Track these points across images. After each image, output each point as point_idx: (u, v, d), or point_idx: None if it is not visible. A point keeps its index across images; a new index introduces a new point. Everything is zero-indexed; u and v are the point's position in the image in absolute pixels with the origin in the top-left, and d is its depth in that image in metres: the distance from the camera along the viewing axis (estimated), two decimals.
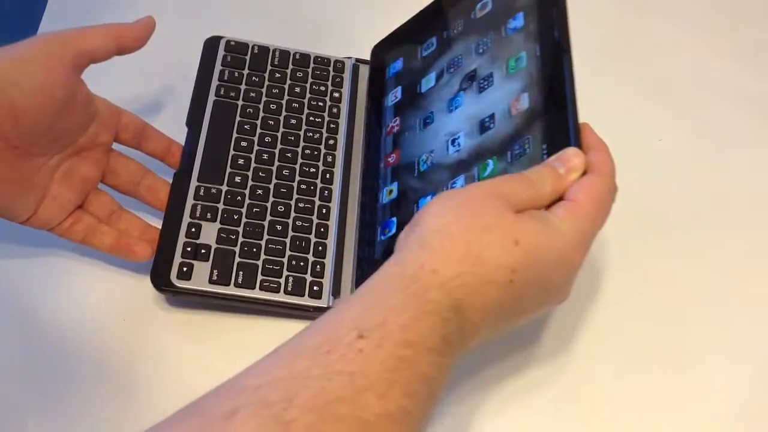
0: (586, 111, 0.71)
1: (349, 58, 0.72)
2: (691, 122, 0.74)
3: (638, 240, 0.67)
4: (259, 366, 0.42)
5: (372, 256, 0.60)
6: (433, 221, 0.47)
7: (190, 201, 0.61)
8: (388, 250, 0.55)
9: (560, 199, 0.50)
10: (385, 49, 0.71)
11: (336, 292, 0.60)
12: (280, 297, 0.59)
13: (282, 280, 0.59)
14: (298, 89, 0.69)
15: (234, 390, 0.40)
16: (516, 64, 0.58)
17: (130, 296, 0.61)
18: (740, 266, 0.66)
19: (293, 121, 0.67)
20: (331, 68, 0.71)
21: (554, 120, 0.53)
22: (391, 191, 0.62)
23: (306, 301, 0.59)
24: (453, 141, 0.60)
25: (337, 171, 0.66)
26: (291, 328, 0.57)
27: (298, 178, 0.64)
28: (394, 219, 0.61)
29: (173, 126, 0.65)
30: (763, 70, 0.78)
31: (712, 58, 0.79)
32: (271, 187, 0.63)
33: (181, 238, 0.59)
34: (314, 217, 0.63)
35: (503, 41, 0.60)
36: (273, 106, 0.67)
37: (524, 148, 0.54)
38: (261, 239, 0.61)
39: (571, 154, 0.51)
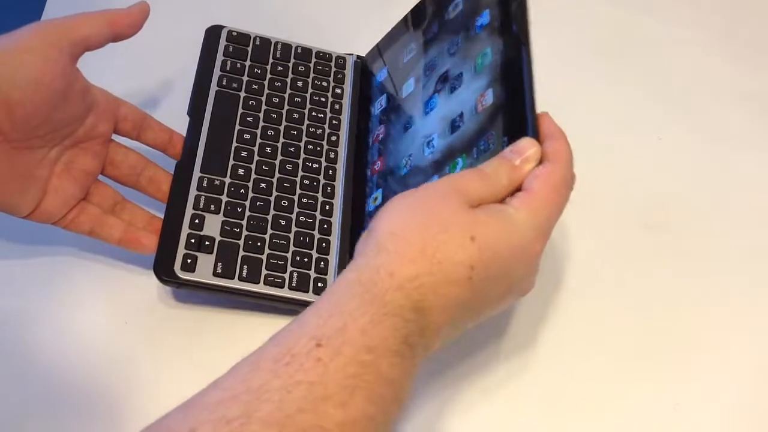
0: (586, 109, 0.73)
1: (350, 54, 0.71)
2: (690, 121, 0.75)
3: (636, 238, 0.67)
4: (221, 382, 0.41)
5: None
6: (388, 223, 0.47)
7: (193, 192, 0.60)
8: None
9: (518, 189, 0.50)
10: (372, 58, 0.71)
11: None
12: (285, 292, 0.58)
13: (286, 276, 0.58)
14: (300, 83, 0.68)
15: (196, 407, 0.40)
16: (482, 61, 0.58)
17: (134, 296, 0.59)
18: (739, 264, 0.66)
19: (296, 116, 0.66)
20: (332, 64, 0.70)
21: (513, 113, 0.54)
22: (376, 198, 0.62)
23: (310, 297, 0.58)
24: (428, 143, 0.60)
25: (340, 168, 0.65)
26: None
27: (301, 173, 0.64)
28: None
29: (174, 115, 0.64)
30: (762, 68, 0.79)
31: (711, 57, 0.79)
32: (274, 181, 0.62)
33: (185, 230, 0.58)
34: (317, 213, 0.62)
35: (472, 39, 0.60)
36: (275, 99, 0.66)
37: (488, 143, 0.54)
38: (265, 233, 0.60)
39: (525, 144, 0.50)
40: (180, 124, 0.63)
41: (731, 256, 0.67)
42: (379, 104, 0.67)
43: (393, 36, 0.69)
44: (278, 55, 0.69)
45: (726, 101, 0.76)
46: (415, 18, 0.68)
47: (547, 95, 0.74)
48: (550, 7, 0.82)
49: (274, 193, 0.62)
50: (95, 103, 0.57)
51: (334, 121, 0.67)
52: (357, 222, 0.62)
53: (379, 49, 0.71)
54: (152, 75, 0.70)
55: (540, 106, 0.72)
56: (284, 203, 0.61)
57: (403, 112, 0.64)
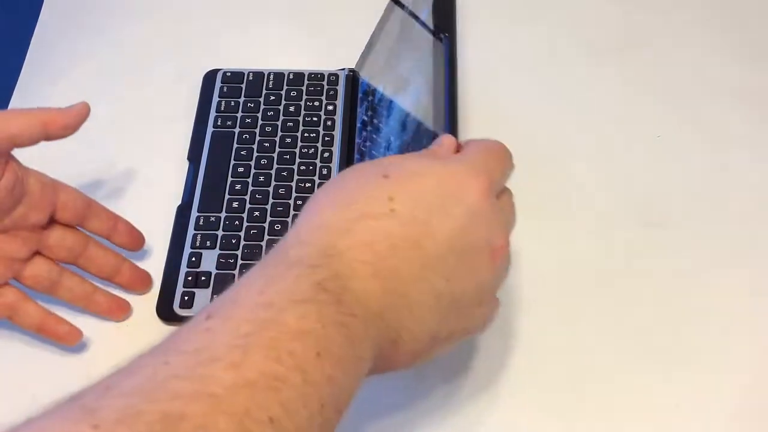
0: (585, 107, 0.74)
1: (342, 69, 0.73)
2: (689, 119, 0.73)
3: (636, 236, 0.66)
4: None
5: None
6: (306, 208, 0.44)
7: (190, 232, 0.64)
8: None
9: None
10: (359, 67, 0.72)
11: None
12: None
13: None
14: (292, 108, 0.71)
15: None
16: (423, 59, 0.58)
17: (133, 306, 0.62)
18: (739, 263, 0.64)
19: (288, 140, 0.69)
20: (325, 82, 0.72)
21: (438, 108, 0.53)
22: None
23: None
24: (388, 146, 0.61)
25: None
26: None
27: (294, 195, 0.66)
28: None
29: (177, 162, 0.69)
30: (762, 66, 0.76)
31: (710, 55, 0.77)
32: (268, 207, 0.65)
33: (183, 269, 0.63)
34: None
35: (417, 38, 0.60)
36: (268, 129, 0.70)
37: (423, 142, 0.54)
38: (259, 259, 0.63)
39: (444, 138, 0.49)
40: (183, 170, 0.68)
41: (731, 254, 0.65)
42: (362, 114, 0.69)
43: (371, 42, 0.70)
44: (270, 86, 0.72)
45: (725, 100, 0.74)
46: (383, 22, 0.68)
47: (547, 93, 0.75)
48: (550, 5, 0.81)
49: (268, 219, 0.65)
50: (26, 194, 0.54)
51: (326, 138, 0.69)
52: None
53: (362, 58, 0.72)
54: (158, 123, 0.73)
55: (539, 105, 0.74)
56: (278, 227, 0.64)
57: (376, 119, 0.65)
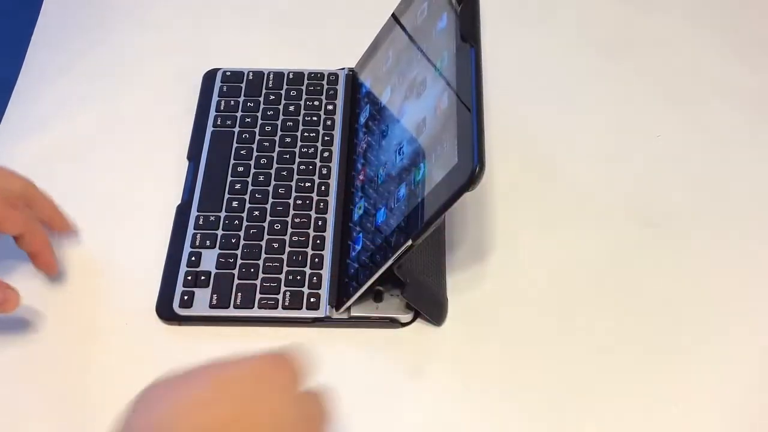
0: (585, 107, 0.74)
1: (342, 69, 0.73)
2: (689, 119, 0.73)
3: (636, 236, 0.66)
4: None
5: (347, 272, 0.62)
6: None
7: (190, 231, 0.64)
8: (357, 268, 0.58)
9: None
10: (360, 68, 0.72)
11: (333, 302, 0.61)
12: (279, 313, 0.61)
13: (280, 297, 0.61)
14: (292, 108, 0.71)
15: None
16: (441, 65, 0.58)
17: (133, 306, 0.62)
18: (739, 263, 0.64)
19: (288, 140, 0.69)
20: (324, 82, 0.72)
21: (462, 116, 0.53)
22: (360, 208, 0.63)
23: (304, 313, 0.61)
24: (399, 150, 0.60)
25: (333, 182, 0.67)
26: (293, 333, 0.61)
27: (294, 194, 0.66)
28: (361, 235, 0.61)
29: (176, 162, 0.69)
30: (762, 66, 0.77)
31: (711, 55, 0.77)
32: (268, 207, 0.65)
33: (183, 268, 0.62)
34: (311, 230, 0.64)
35: (433, 44, 0.60)
36: (268, 128, 0.70)
37: (444, 147, 0.54)
38: (259, 259, 0.63)
39: None
40: (183, 169, 0.68)
41: (731, 253, 0.65)
42: (364, 115, 0.69)
43: (375, 45, 0.71)
44: (270, 85, 0.72)
45: (725, 99, 0.74)
46: (391, 26, 0.68)
47: (546, 94, 0.75)
48: (550, 5, 0.81)
49: (268, 219, 0.65)
50: None
51: (326, 137, 0.69)
52: (346, 233, 0.64)
53: (364, 60, 0.72)
54: (158, 123, 0.73)
55: (540, 104, 0.74)
56: (277, 227, 0.64)
57: (381, 121, 0.65)
